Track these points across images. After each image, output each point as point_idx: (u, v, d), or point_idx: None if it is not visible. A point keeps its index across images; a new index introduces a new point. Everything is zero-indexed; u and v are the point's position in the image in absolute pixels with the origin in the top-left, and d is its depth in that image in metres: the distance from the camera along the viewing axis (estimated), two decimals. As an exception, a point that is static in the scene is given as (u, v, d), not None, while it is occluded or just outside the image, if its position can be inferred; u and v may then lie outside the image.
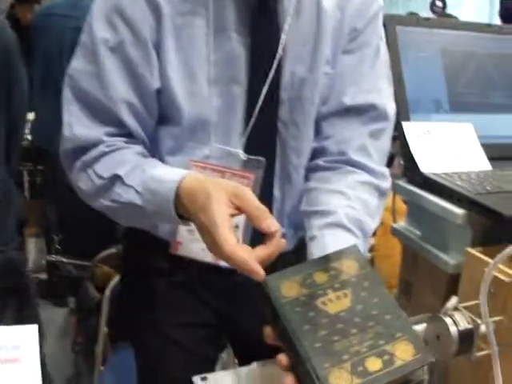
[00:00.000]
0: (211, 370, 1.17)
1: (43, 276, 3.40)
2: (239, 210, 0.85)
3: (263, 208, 0.84)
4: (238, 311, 1.22)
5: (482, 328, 0.91)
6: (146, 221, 1.06)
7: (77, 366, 2.61)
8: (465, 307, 0.96)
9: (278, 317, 0.81)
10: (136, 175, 0.99)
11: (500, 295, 0.93)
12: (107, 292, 2.09)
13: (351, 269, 0.88)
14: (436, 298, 1.21)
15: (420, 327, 0.99)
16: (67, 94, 1.04)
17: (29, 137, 3.24)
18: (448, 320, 0.92)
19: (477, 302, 0.95)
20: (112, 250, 2.24)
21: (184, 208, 0.91)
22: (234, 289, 1.18)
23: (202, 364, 1.17)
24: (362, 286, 0.86)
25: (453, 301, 0.95)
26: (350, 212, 1.03)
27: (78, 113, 1.03)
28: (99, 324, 2.14)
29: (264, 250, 0.83)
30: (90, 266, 2.45)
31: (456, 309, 0.95)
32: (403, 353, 0.79)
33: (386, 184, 1.13)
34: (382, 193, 1.11)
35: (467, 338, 0.91)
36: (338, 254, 0.89)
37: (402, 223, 1.35)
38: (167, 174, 0.95)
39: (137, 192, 0.97)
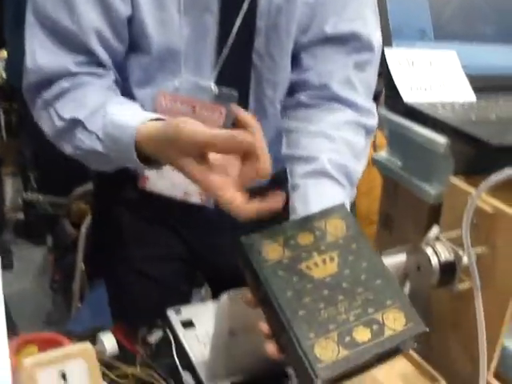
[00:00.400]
0: (186, 303, 1.14)
1: (20, 215, 3.37)
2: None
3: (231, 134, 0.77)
4: (210, 250, 1.19)
5: (464, 259, 0.88)
6: (114, 165, 1.00)
7: (55, 303, 2.60)
8: (446, 238, 0.92)
9: (258, 281, 0.76)
10: (97, 119, 0.92)
11: (483, 226, 0.90)
12: (83, 229, 2.05)
13: (338, 229, 0.82)
14: (417, 231, 1.18)
15: (400, 258, 0.96)
16: (30, 19, 0.96)
17: (4, 75, 3.14)
18: (429, 250, 0.89)
19: (459, 232, 0.92)
20: (88, 187, 2.18)
21: (152, 154, 0.86)
22: (206, 226, 1.15)
23: (176, 298, 1.14)
24: (349, 248, 0.80)
25: (434, 230, 0.92)
26: (334, 157, 0.98)
27: (43, 39, 0.95)
28: (76, 261, 2.10)
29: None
30: (66, 203, 2.40)
31: (437, 239, 0.92)
32: (394, 322, 0.74)
33: (373, 121, 1.07)
34: (368, 131, 1.05)
35: (449, 270, 0.89)
36: (324, 214, 0.84)
37: (382, 153, 1.30)
38: (129, 120, 0.88)
39: (98, 138, 0.92)
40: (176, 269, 1.20)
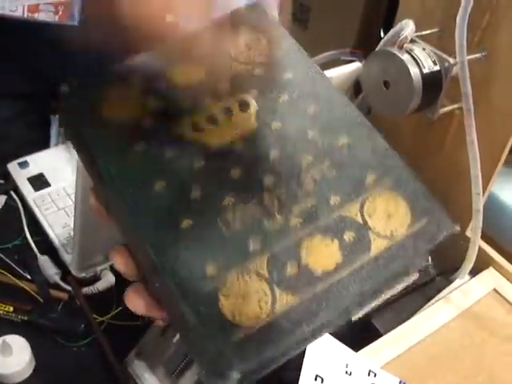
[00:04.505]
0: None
1: None
2: None
3: None
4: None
5: (455, 70, 0.59)
6: None
7: None
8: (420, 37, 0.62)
9: (97, 171, 0.37)
10: None
11: (476, 22, 0.59)
12: None
13: (254, 48, 0.42)
14: (348, 23, 0.86)
15: (347, 69, 0.65)
16: None
17: None
18: (406, 57, 0.58)
19: (435, 29, 0.62)
20: None
21: None
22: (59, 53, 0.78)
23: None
24: (277, 81, 0.41)
25: (408, 27, 0.60)
26: None
27: None
28: None
29: None
30: None
31: (412, 41, 0.61)
32: (387, 219, 0.36)
33: None
34: None
35: (433, 85, 0.59)
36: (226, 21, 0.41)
37: None
38: None
39: None
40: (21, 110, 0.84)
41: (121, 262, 0.36)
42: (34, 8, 0.70)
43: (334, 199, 0.36)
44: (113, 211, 0.37)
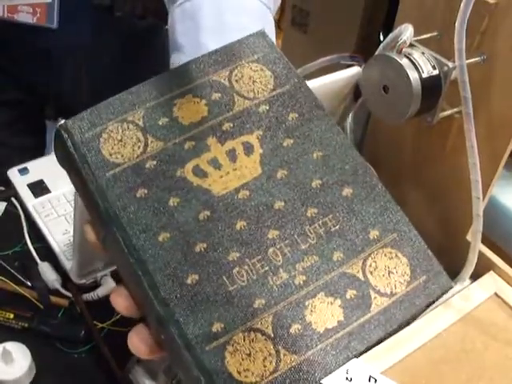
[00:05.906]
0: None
1: None
2: None
3: None
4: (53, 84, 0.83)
5: (454, 74, 0.59)
6: None
7: None
8: (419, 41, 0.62)
9: (96, 209, 0.37)
10: None
11: (475, 25, 0.59)
12: None
13: (258, 84, 0.41)
14: (348, 28, 0.86)
15: (345, 75, 0.65)
16: None
17: None
18: (405, 61, 0.58)
19: (434, 34, 0.62)
20: None
21: None
22: (43, 57, 0.79)
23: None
24: (283, 121, 0.40)
25: (406, 32, 0.60)
26: None
27: None
28: None
29: None
30: None
31: (411, 45, 0.60)
32: (388, 277, 0.37)
33: None
34: None
35: (433, 90, 0.59)
36: (228, 53, 0.41)
37: None
38: None
39: None
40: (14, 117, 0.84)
41: (122, 306, 0.37)
42: (13, 9, 0.71)
43: (337, 255, 0.36)
44: (112, 253, 0.37)
